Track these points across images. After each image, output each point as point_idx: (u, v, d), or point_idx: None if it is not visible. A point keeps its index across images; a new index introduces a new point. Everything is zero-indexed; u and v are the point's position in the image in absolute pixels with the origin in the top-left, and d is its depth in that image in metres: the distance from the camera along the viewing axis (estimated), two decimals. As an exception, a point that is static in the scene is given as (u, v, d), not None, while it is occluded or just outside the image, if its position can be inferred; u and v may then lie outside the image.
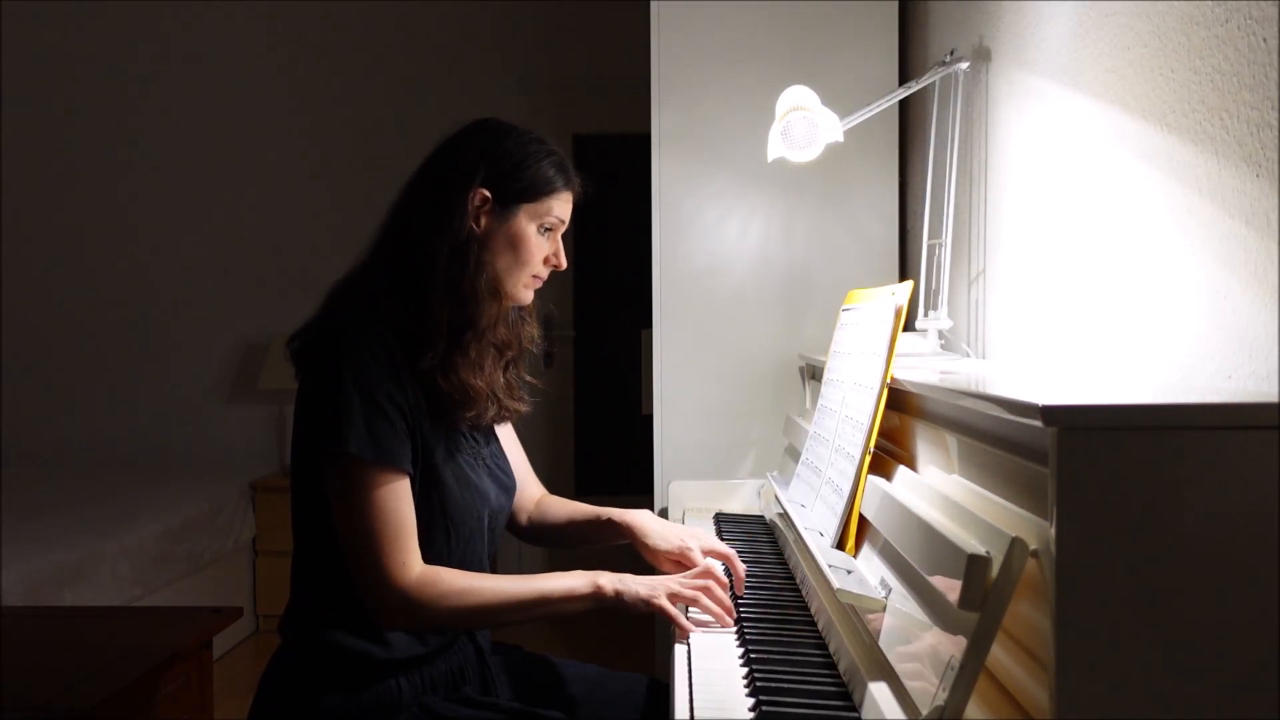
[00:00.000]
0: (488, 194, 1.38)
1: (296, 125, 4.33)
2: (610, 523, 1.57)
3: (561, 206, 1.44)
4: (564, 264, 1.47)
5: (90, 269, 4.38)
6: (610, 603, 1.34)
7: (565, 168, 1.45)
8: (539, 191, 1.40)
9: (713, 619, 1.33)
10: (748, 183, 2.29)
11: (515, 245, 1.40)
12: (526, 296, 1.46)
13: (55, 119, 4.36)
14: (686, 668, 1.20)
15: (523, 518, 1.64)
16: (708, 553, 1.51)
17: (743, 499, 2.16)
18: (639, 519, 1.56)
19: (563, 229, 1.46)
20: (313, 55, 4.32)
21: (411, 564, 1.30)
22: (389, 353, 1.32)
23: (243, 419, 4.36)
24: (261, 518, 3.85)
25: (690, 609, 1.35)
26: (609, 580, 1.34)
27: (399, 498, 1.30)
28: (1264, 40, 1.00)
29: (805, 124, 1.83)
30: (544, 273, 1.45)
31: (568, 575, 1.35)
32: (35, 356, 4.37)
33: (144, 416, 4.37)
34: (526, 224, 1.40)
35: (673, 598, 1.33)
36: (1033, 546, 0.84)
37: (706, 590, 1.35)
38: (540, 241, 1.42)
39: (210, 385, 4.37)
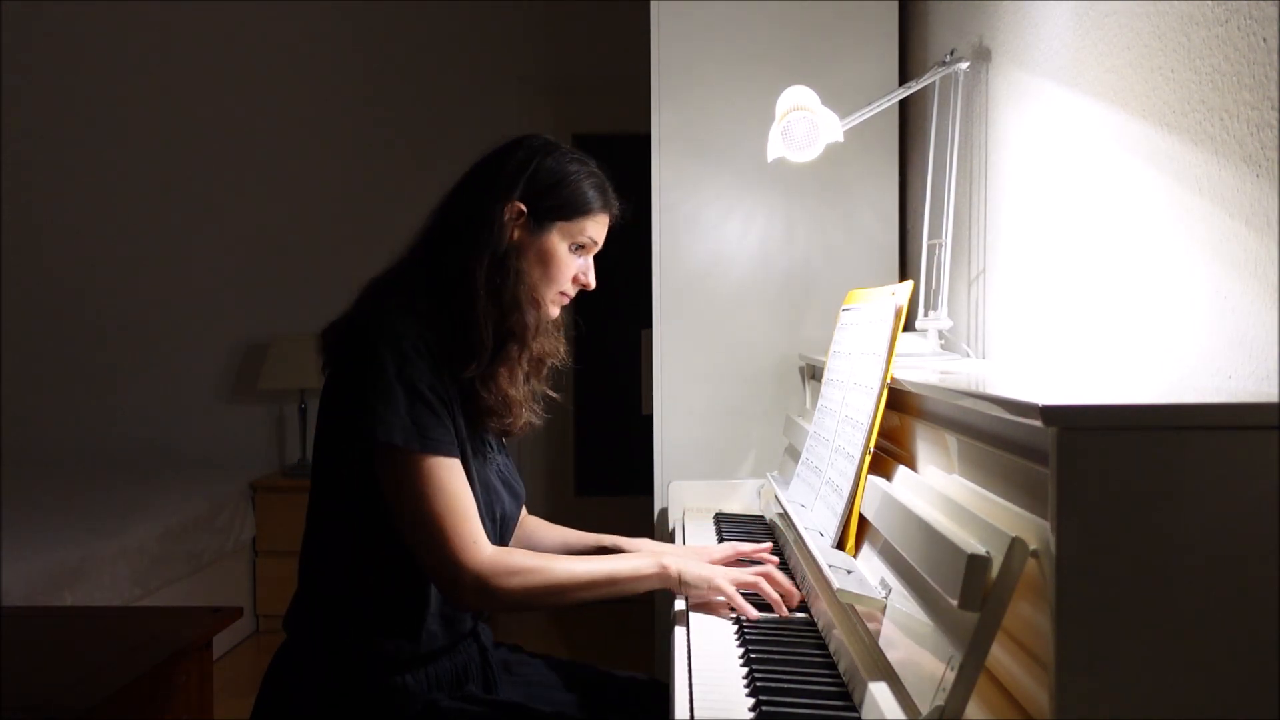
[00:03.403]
0: (523, 208, 1.39)
1: (296, 125, 4.32)
2: (620, 553, 1.55)
3: (596, 228, 1.45)
4: (592, 284, 1.48)
5: (90, 269, 4.38)
6: (673, 583, 1.37)
7: (604, 190, 1.46)
8: (574, 211, 1.42)
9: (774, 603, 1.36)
10: (748, 183, 2.29)
11: (545, 261, 1.41)
12: (552, 312, 1.47)
13: (55, 119, 4.36)
14: (686, 667, 1.20)
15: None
16: (747, 555, 1.53)
17: (743, 499, 2.16)
18: (654, 545, 1.56)
19: (595, 249, 1.47)
20: (313, 56, 4.32)
21: (481, 543, 1.30)
22: (429, 347, 1.33)
23: (243, 419, 4.36)
24: (261, 518, 3.85)
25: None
26: (674, 561, 1.38)
27: (456, 480, 1.31)
28: (1264, 40, 1.00)
29: (805, 124, 1.83)
30: (571, 291, 1.47)
31: (633, 556, 1.39)
32: (35, 356, 4.37)
33: (144, 416, 4.36)
34: (559, 242, 1.42)
35: (733, 582, 1.36)
36: (1033, 546, 0.84)
37: (767, 576, 1.39)
38: (571, 260, 1.44)
39: (210, 385, 4.37)
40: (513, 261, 1.38)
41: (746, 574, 1.38)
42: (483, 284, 1.36)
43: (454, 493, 1.30)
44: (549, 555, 1.37)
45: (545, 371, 1.51)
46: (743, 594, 1.37)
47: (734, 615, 1.36)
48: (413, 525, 1.30)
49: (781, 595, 1.38)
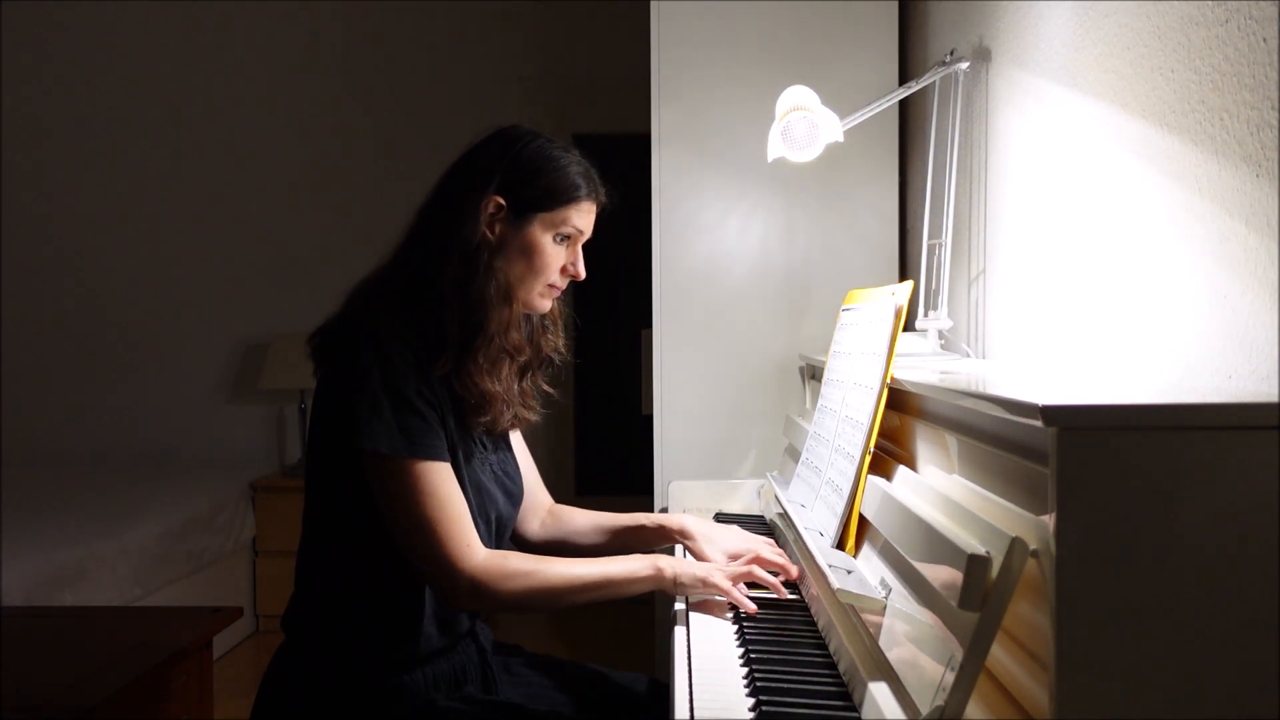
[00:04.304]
0: (502, 201, 1.37)
1: (296, 125, 4.32)
2: (661, 529, 1.56)
3: (580, 216, 1.41)
4: (582, 274, 1.44)
5: (90, 269, 4.38)
6: (668, 585, 1.37)
7: (589, 176, 1.42)
8: (555, 200, 1.38)
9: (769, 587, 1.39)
10: (748, 183, 2.29)
11: (529, 254, 1.38)
12: (543, 305, 1.44)
13: (55, 119, 4.36)
14: (686, 667, 1.20)
15: (534, 526, 1.63)
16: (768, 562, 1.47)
17: (743, 499, 2.16)
18: (693, 523, 1.56)
19: (583, 239, 1.44)
20: (313, 56, 4.32)
21: (475, 546, 1.30)
22: (414, 350, 1.32)
23: (243, 419, 4.36)
24: (261, 518, 3.85)
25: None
26: (668, 563, 1.37)
27: (447, 484, 1.30)
28: (1264, 40, 1.00)
29: (805, 124, 1.83)
30: (561, 282, 1.44)
31: (628, 559, 1.38)
32: (35, 356, 4.37)
33: (144, 416, 4.36)
34: (541, 234, 1.39)
35: (728, 576, 1.37)
36: (1033, 546, 0.84)
37: (757, 559, 1.40)
38: (556, 251, 1.40)
39: (210, 385, 4.37)
40: (484, 257, 1.36)
41: (739, 566, 1.39)
42: (450, 279, 1.35)
43: (445, 497, 1.29)
44: (545, 558, 1.35)
45: (538, 366, 1.50)
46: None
47: (733, 614, 1.35)
48: (406, 531, 1.29)
49: (778, 571, 1.41)
